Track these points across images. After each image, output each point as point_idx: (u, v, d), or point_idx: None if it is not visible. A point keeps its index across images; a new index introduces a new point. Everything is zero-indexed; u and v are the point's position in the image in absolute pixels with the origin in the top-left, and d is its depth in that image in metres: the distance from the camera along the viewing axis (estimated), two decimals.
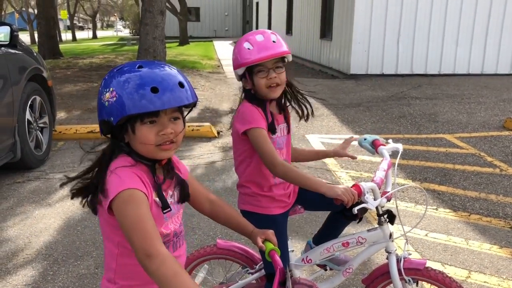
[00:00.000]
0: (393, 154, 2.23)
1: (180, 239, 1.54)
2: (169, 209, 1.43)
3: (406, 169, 5.04)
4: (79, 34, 49.81)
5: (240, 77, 2.05)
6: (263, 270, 2.20)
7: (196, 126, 6.44)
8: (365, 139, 2.26)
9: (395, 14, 11.51)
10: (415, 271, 2.04)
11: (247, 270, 2.25)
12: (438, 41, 11.78)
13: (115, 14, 60.72)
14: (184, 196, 1.51)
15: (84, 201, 1.45)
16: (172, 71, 1.37)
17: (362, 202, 1.98)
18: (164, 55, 10.91)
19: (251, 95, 2.03)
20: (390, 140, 2.27)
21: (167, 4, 20.97)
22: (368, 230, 2.13)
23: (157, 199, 1.40)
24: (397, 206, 2.11)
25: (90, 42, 32.98)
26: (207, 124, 6.58)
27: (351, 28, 11.57)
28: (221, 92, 10.08)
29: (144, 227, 1.27)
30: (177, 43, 25.30)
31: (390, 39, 11.67)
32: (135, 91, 1.30)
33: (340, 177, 4.79)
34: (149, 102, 1.29)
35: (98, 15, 59.84)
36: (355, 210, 1.89)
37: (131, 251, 1.30)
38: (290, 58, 2.05)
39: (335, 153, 2.28)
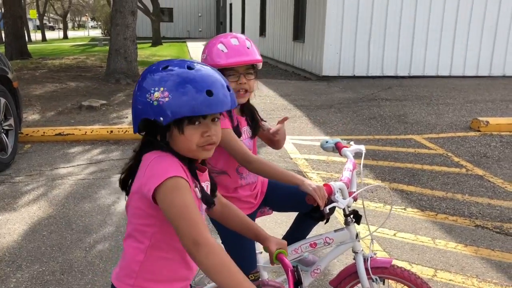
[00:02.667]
0: (356, 155, 2.26)
1: None
2: (213, 204, 1.48)
3: (375, 170, 5.11)
4: (50, 34, 48.74)
5: None
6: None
7: None
8: (326, 142, 2.28)
9: (366, 17, 11.67)
10: (382, 270, 2.07)
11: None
12: (408, 44, 12.00)
13: (87, 14, 59.69)
14: (213, 195, 1.52)
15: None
16: (217, 73, 1.39)
17: (331, 202, 2.01)
18: (135, 56, 10.79)
19: None
20: (352, 142, 2.30)
21: (139, 5, 20.77)
22: (335, 231, 2.15)
23: (196, 189, 1.40)
24: (364, 206, 2.14)
25: (61, 43, 32.33)
26: None
27: (323, 30, 11.68)
28: None
29: (192, 215, 1.27)
30: (150, 44, 25.05)
31: (361, 42, 11.82)
32: (192, 94, 1.30)
33: (311, 178, 4.82)
34: (205, 105, 1.31)
35: (69, 15, 58.69)
36: (327, 209, 1.90)
37: (165, 242, 1.36)
38: (260, 67, 2.06)
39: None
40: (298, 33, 14.00)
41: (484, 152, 5.84)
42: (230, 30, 27.68)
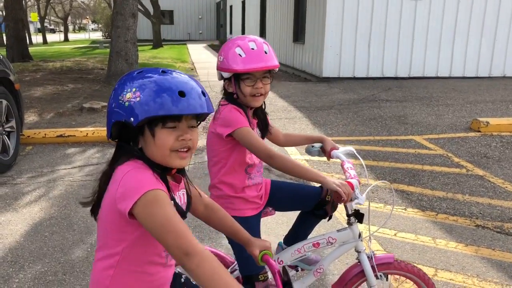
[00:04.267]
0: (348, 156, 2.28)
1: None
2: (185, 217, 1.43)
3: (376, 170, 5.12)
4: (50, 37, 48.85)
5: (223, 78, 2.05)
6: (235, 272, 2.21)
7: None
8: (312, 146, 2.29)
9: (366, 18, 11.69)
10: (387, 265, 2.12)
11: None
12: (408, 45, 12.02)
13: (87, 17, 59.80)
14: (188, 205, 1.51)
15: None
16: (194, 80, 1.39)
17: (331, 202, 2.05)
18: (136, 58, 10.81)
19: (232, 99, 2.03)
20: (338, 146, 2.32)
21: (140, 7, 20.81)
22: (338, 230, 2.16)
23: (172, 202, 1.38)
24: (369, 204, 2.16)
25: (62, 45, 32.39)
26: None
27: (323, 32, 11.70)
28: None
29: (176, 226, 1.25)
30: (151, 46, 25.10)
31: (361, 43, 11.84)
32: (162, 93, 1.30)
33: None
34: (175, 105, 1.29)
35: (70, 18, 58.81)
36: (353, 205, 1.95)
37: (136, 256, 1.36)
38: (276, 70, 2.07)
39: (322, 140, 2.30)
40: (298, 35, 14.02)
41: (485, 153, 5.85)
42: (231, 33, 27.73)
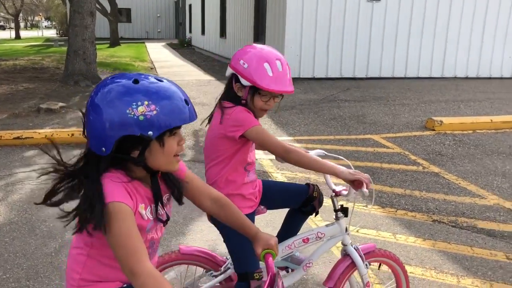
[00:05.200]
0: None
1: (154, 250, 1.54)
2: (166, 223, 1.48)
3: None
4: (0, 34, 46.87)
5: (234, 80, 2.07)
6: (228, 271, 2.25)
7: None
8: None
9: (324, 20, 11.92)
10: (371, 254, 2.30)
11: (211, 273, 2.27)
12: (365, 46, 12.35)
13: (40, 14, 57.79)
14: (179, 197, 1.53)
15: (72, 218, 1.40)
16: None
17: (317, 198, 2.26)
18: (94, 57, 10.60)
19: (239, 103, 2.07)
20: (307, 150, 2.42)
21: (97, 5, 20.32)
22: (326, 225, 2.30)
23: (142, 211, 1.40)
24: (354, 201, 2.25)
25: (13, 43, 31.15)
26: None
27: (283, 32, 11.84)
28: None
29: (130, 244, 1.28)
30: (108, 45, 24.57)
31: (320, 44, 12.07)
32: (176, 104, 1.32)
33: (276, 178, 4.92)
34: (186, 114, 1.34)
35: (21, 14, 56.62)
36: (367, 191, 2.01)
37: (102, 251, 1.38)
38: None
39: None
40: (259, 35, 14.12)
41: (439, 150, 6.12)
42: (190, 31, 27.52)
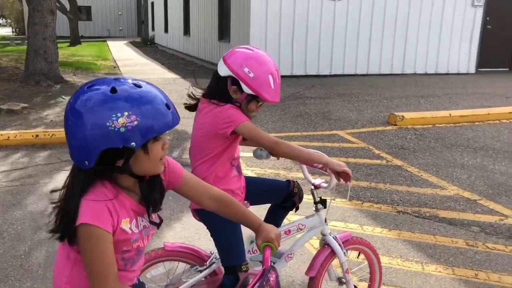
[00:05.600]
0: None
1: (140, 255, 1.55)
2: (159, 226, 1.52)
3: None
4: None
5: (229, 81, 2.11)
6: (213, 266, 2.30)
7: None
8: (261, 150, 2.43)
9: (288, 18, 12.06)
10: (348, 242, 2.46)
11: (196, 268, 2.31)
12: (328, 44, 12.57)
13: None
14: (159, 202, 1.50)
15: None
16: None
17: (298, 193, 2.38)
18: (56, 57, 10.36)
19: (231, 103, 2.13)
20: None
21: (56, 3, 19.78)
22: (307, 217, 2.41)
23: (126, 226, 1.39)
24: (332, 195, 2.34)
25: None
26: None
27: (248, 31, 11.91)
28: None
29: (97, 266, 1.31)
30: (68, 44, 23.97)
31: (285, 42, 12.20)
32: (157, 110, 1.29)
33: (246, 175, 4.98)
34: (170, 119, 1.32)
35: None
36: (349, 184, 2.21)
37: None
38: None
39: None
40: (223, 33, 14.14)
41: (401, 144, 6.35)
42: (153, 29, 27.19)
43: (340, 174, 2.17)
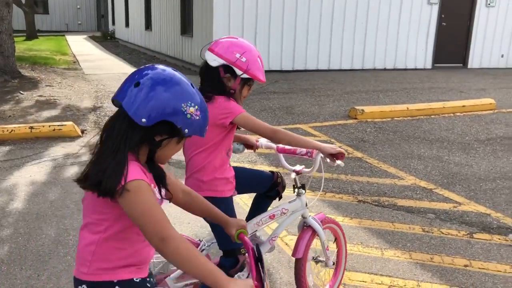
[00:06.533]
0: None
1: None
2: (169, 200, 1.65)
3: (269, 157, 5.49)
4: None
5: (222, 70, 2.22)
6: (203, 253, 2.39)
7: (58, 125, 6.13)
8: (237, 144, 2.60)
9: (251, 12, 12.12)
10: (323, 222, 2.69)
11: None
12: (290, 39, 12.72)
13: None
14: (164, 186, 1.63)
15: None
16: None
17: (281, 183, 2.55)
18: (13, 51, 10.05)
19: (227, 93, 2.25)
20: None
21: None
22: (289, 202, 2.55)
23: (156, 190, 1.53)
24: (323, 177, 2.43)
25: None
26: (70, 123, 6.31)
27: (211, 25, 11.90)
28: (80, 89, 9.63)
29: (156, 214, 1.40)
30: (24, 38, 23.18)
31: (247, 36, 12.25)
32: (205, 118, 1.54)
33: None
34: (203, 129, 1.56)
35: None
36: (341, 163, 2.41)
37: (117, 234, 1.47)
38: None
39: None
40: (186, 27, 14.06)
41: (361, 137, 6.55)
42: (113, 24, 26.65)
43: (335, 155, 2.35)
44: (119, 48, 20.29)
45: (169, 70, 1.51)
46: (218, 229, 2.27)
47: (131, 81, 1.48)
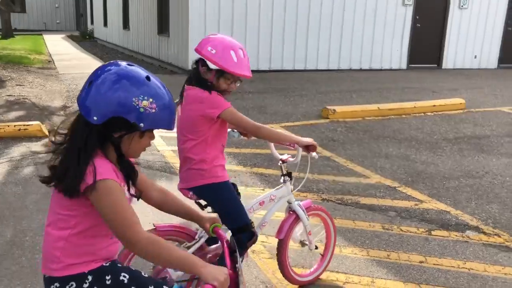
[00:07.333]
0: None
1: None
2: (137, 198, 1.66)
3: (238, 157, 5.50)
4: None
5: (202, 66, 2.36)
6: (201, 240, 2.39)
7: (23, 125, 6.05)
8: (233, 131, 2.73)
9: (227, 12, 12.12)
10: (309, 209, 2.91)
11: (186, 244, 2.37)
12: (267, 39, 12.75)
13: None
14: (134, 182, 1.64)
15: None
16: None
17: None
18: None
19: (208, 85, 2.36)
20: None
21: None
22: (276, 189, 2.79)
23: (125, 188, 1.54)
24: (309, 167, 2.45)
25: None
26: (36, 122, 6.23)
27: (187, 25, 11.86)
28: (52, 89, 9.51)
29: (125, 215, 1.42)
30: (0, 37, 22.79)
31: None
32: (169, 112, 1.53)
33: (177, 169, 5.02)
34: (171, 122, 1.55)
35: None
36: (317, 155, 2.75)
37: (86, 230, 1.48)
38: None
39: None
40: (163, 27, 13.99)
41: (332, 136, 6.60)
42: (92, 23, 26.37)
43: (308, 147, 2.62)
44: (97, 48, 20.08)
45: (122, 65, 1.51)
46: (226, 210, 2.43)
47: (88, 81, 1.51)
